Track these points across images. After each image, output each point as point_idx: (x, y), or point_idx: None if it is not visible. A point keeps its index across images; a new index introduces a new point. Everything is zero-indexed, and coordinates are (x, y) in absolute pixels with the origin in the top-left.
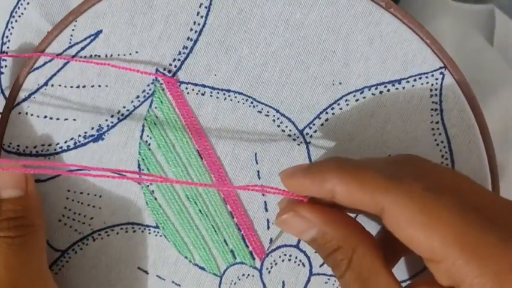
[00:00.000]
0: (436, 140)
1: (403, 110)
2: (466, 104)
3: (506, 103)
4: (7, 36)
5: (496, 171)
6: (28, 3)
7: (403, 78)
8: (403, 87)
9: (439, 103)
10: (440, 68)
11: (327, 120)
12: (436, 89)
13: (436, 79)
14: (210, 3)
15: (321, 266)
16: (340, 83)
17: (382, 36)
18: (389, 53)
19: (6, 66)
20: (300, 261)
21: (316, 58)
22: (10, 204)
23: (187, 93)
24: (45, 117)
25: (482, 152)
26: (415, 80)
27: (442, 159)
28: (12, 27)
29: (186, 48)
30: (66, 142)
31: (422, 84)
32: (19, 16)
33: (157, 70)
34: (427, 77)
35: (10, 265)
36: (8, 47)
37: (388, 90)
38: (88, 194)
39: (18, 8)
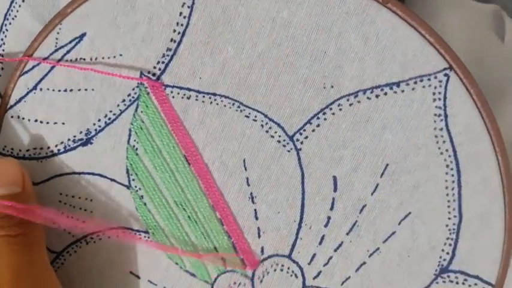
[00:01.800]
0: (440, 148)
1: (402, 115)
2: (475, 109)
3: None
4: (2, 39)
5: (510, 182)
6: (20, 6)
7: (402, 81)
8: (402, 91)
9: (443, 108)
10: (445, 69)
11: (318, 125)
12: (439, 93)
13: (440, 81)
14: (193, 3)
15: (314, 278)
16: (332, 86)
17: (378, 34)
18: (386, 53)
19: (3, 69)
20: (293, 272)
21: (305, 59)
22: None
23: (173, 97)
24: (36, 120)
25: (493, 162)
26: (415, 83)
27: (447, 169)
28: (7, 30)
29: (170, 50)
30: (56, 146)
31: (423, 87)
32: (12, 19)
33: (141, 73)
34: (429, 79)
35: (13, 264)
36: (3, 50)
37: (386, 93)
38: (79, 197)
39: (12, 10)
